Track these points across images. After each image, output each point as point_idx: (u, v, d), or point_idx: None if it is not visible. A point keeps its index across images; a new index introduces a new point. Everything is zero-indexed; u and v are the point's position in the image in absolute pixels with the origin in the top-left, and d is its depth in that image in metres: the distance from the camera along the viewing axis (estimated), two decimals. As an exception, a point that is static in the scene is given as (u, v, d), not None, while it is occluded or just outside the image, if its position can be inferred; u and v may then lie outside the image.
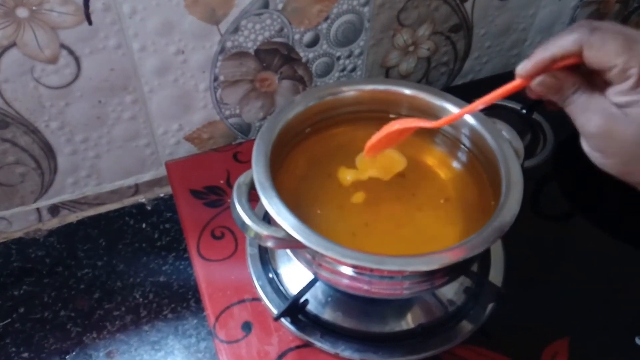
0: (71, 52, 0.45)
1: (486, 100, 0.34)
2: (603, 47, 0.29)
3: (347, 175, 0.44)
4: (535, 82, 0.32)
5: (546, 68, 0.31)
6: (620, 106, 0.29)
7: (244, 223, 0.36)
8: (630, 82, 0.28)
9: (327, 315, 0.44)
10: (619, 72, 0.28)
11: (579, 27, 0.30)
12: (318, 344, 0.42)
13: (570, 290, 0.48)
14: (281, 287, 0.45)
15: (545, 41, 0.31)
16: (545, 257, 0.50)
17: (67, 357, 0.46)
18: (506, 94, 0.33)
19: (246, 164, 0.56)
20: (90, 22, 0.44)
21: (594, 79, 0.31)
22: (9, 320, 0.49)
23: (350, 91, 0.46)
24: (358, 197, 0.43)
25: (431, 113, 0.45)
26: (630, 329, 0.45)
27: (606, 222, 0.54)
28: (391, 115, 0.47)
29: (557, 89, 0.31)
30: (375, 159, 0.44)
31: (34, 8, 0.41)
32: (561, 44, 0.30)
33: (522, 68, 0.32)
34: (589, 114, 0.30)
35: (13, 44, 0.42)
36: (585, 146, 0.31)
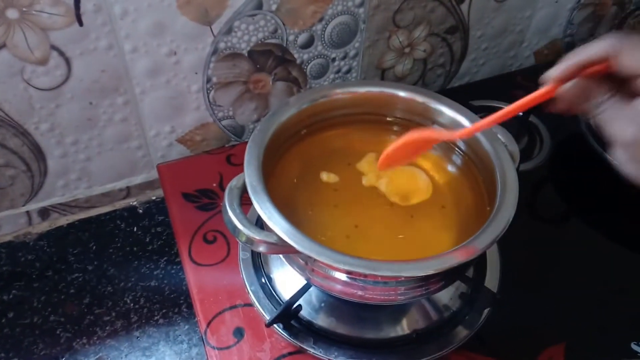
0: (62, 54, 0.44)
1: (514, 108, 0.33)
2: (635, 52, 0.28)
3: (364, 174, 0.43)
4: (565, 87, 0.31)
5: (576, 73, 0.30)
6: None
7: (235, 227, 0.36)
8: None
9: (321, 321, 0.43)
10: None
11: (609, 36, 0.29)
12: (311, 350, 0.41)
13: (566, 295, 0.47)
14: (274, 293, 0.45)
15: (575, 49, 0.31)
16: (541, 261, 0.50)
17: (57, 363, 0.46)
18: (535, 102, 0.32)
19: (239, 166, 0.54)
20: (81, 24, 0.43)
21: (624, 89, 0.30)
22: (-2, 325, 0.48)
23: (344, 94, 0.45)
24: (352, 200, 0.43)
25: (427, 116, 0.45)
26: (626, 334, 0.45)
27: (602, 225, 0.54)
28: (388, 119, 0.46)
29: (588, 95, 0.30)
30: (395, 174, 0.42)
31: (24, 9, 0.41)
32: (592, 50, 0.30)
33: (553, 72, 0.31)
34: (623, 123, 0.29)
35: (3, 45, 0.42)
36: (620, 157, 0.30)
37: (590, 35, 0.73)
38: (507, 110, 0.33)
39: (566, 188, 0.57)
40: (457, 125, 0.43)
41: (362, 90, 0.45)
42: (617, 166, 0.30)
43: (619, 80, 0.30)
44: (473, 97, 0.60)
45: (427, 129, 0.38)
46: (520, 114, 0.60)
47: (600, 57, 0.29)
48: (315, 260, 0.34)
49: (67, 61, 0.45)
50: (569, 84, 0.31)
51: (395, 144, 0.38)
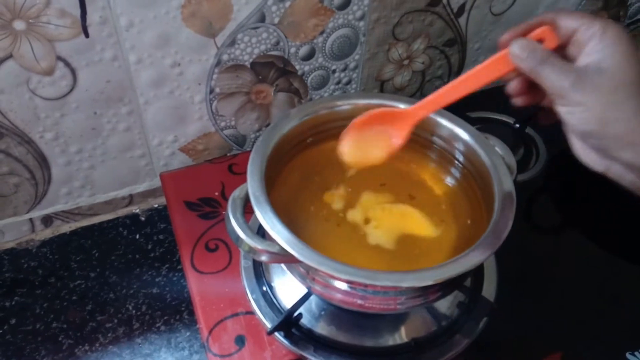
0: (67, 64, 0.45)
1: (472, 74, 0.36)
2: (571, 15, 0.34)
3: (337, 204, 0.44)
4: (511, 45, 0.34)
5: (523, 33, 0.35)
6: (591, 64, 0.32)
7: (238, 237, 0.36)
8: (595, 39, 0.32)
9: (321, 329, 0.43)
10: (584, 31, 0.33)
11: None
12: (311, 358, 0.42)
13: (562, 304, 0.48)
14: (275, 301, 0.45)
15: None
16: (538, 271, 0.50)
17: (59, 369, 0.46)
18: (489, 67, 0.36)
19: (241, 175, 0.56)
20: (87, 35, 0.44)
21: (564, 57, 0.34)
22: (0, 332, 0.48)
23: (345, 105, 0.46)
24: (353, 209, 0.43)
25: (425, 127, 0.45)
26: (621, 344, 0.45)
27: (598, 235, 0.55)
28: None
29: (530, 50, 0.34)
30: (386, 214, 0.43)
31: (31, 21, 0.41)
32: (536, 17, 0.35)
33: (501, 38, 0.36)
34: (564, 72, 0.33)
35: (9, 56, 0.42)
36: (562, 106, 0.33)
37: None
38: (464, 77, 0.37)
39: (562, 198, 0.58)
40: (455, 137, 0.44)
41: (363, 102, 0.46)
42: (564, 118, 0.34)
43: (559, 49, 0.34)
44: (470, 108, 0.61)
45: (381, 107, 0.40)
46: (516, 125, 0.61)
47: (542, 21, 0.35)
48: (316, 269, 0.35)
49: (73, 72, 0.45)
50: (516, 40, 0.35)
51: (359, 118, 0.40)
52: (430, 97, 0.38)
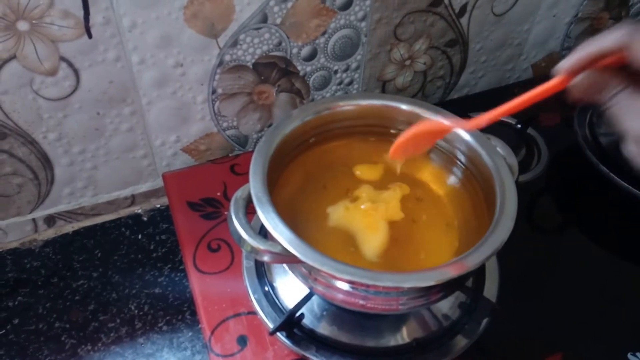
0: (70, 65, 0.45)
1: (527, 98, 0.33)
2: None
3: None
4: (579, 79, 0.30)
5: (589, 65, 0.30)
6: None
7: (240, 237, 0.36)
8: None
9: (323, 329, 0.44)
10: None
11: (622, 26, 0.28)
12: (313, 358, 0.42)
13: (564, 305, 0.48)
14: (277, 301, 0.45)
15: (587, 40, 0.30)
16: (539, 271, 0.50)
17: (61, 369, 0.46)
18: (546, 94, 0.32)
19: (243, 176, 0.56)
20: (90, 36, 0.44)
21: (638, 81, 0.29)
22: (3, 331, 0.48)
23: (347, 106, 0.46)
24: (355, 210, 0.43)
25: (427, 129, 0.46)
26: (622, 344, 0.45)
27: (599, 235, 0.55)
28: (392, 131, 0.47)
29: (602, 87, 0.29)
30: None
31: (34, 21, 0.41)
32: (605, 40, 0.29)
33: (565, 63, 0.30)
34: (636, 116, 0.28)
35: (13, 57, 0.42)
36: (632, 151, 0.29)
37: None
38: (520, 101, 0.33)
39: (563, 199, 0.58)
40: (456, 137, 0.44)
41: (365, 102, 0.46)
42: (629, 159, 0.29)
43: (632, 73, 0.29)
44: (472, 109, 0.61)
45: (437, 120, 0.38)
46: (518, 126, 0.61)
47: (613, 48, 0.28)
48: (318, 270, 0.35)
49: (76, 72, 0.46)
50: (581, 75, 0.30)
51: (406, 134, 0.38)
52: (483, 118, 0.35)
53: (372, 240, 0.41)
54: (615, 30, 0.29)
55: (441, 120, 0.38)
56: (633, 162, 0.29)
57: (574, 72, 0.30)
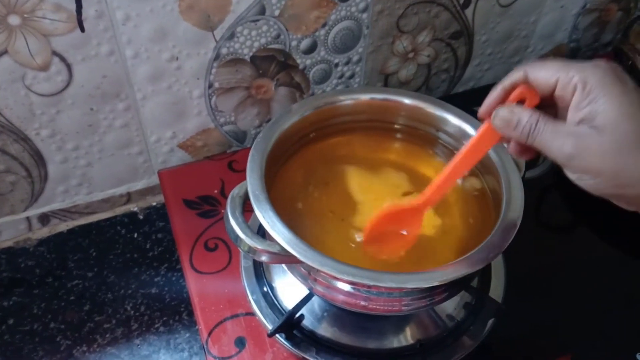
0: (63, 59, 0.44)
1: (465, 154, 0.35)
2: (544, 67, 0.31)
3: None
4: (493, 119, 0.33)
5: (500, 101, 0.33)
6: (584, 121, 0.29)
7: (237, 237, 0.35)
8: (578, 93, 0.29)
9: (323, 330, 0.43)
10: (564, 85, 0.30)
11: (519, 67, 0.33)
12: (314, 360, 0.41)
13: (572, 305, 0.47)
14: (276, 302, 0.44)
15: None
16: (547, 271, 0.49)
17: (56, 371, 0.45)
18: (480, 145, 0.35)
19: (241, 173, 0.54)
20: (82, 30, 0.43)
21: (551, 113, 0.31)
22: (-2, 332, 0.48)
23: (347, 100, 0.45)
24: (357, 208, 0.42)
25: (431, 123, 0.45)
26: (631, 344, 0.44)
27: (609, 233, 0.53)
28: (395, 126, 0.46)
29: (516, 121, 0.32)
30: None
31: (25, 15, 0.40)
32: (507, 78, 0.33)
33: (481, 110, 0.34)
34: (560, 139, 0.30)
35: (4, 52, 0.42)
36: (571, 173, 0.31)
37: (595, 41, 0.72)
38: (459, 159, 0.35)
39: (572, 196, 0.57)
40: (462, 133, 0.43)
41: (366, 97, 0.45)
42: (576, 183, 0.31)
43: (544, 107, 0.32)
44: (477, 102, 0.59)
45: (398, 202, 0.40)
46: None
47: (517, 78, 0.32)
48: (318, 270, 0.34)
49: (69, 67, 0.45)
50: (495, 111, 0.33)
51: (370, 221, 0.39)
52: (432, 188, 0.37)
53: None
54: (514, 70, 0.33)
55: (398, 204, 0.39)
56: (581, 185, 0.31)
57: (489, 113, 0.33)
